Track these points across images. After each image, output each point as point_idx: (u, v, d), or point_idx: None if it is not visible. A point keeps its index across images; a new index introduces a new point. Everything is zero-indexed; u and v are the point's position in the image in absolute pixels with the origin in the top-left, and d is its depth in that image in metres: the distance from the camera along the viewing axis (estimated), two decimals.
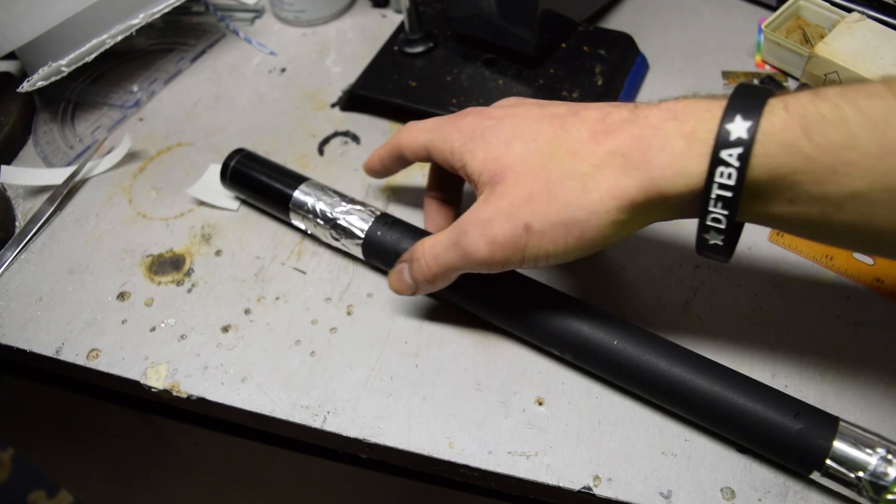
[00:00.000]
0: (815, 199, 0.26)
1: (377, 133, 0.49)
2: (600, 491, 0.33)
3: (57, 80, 0.48)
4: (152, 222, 0.45)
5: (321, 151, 0.49)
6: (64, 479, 0.85)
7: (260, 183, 0.42)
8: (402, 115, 0.50)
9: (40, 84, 0.47)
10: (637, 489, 0.33)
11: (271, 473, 0.53)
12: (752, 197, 0.27)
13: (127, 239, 0.45)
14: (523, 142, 0.31)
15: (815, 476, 0.31)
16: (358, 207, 0.40)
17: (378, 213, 0.40)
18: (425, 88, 0.48)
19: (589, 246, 0.30)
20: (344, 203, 0.40)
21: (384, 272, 0.41)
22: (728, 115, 0.26)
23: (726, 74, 0.50)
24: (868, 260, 0.39)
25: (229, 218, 0.45)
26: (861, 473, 0.30)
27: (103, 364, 0.39)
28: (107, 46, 0.49)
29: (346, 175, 0.47)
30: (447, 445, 0.35)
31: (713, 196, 0.27)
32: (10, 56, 0.50)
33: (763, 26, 0.49)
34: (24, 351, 0.40)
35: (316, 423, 0.36)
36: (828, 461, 0.30)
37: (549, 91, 0.47)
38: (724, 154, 0.26)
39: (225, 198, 0.46)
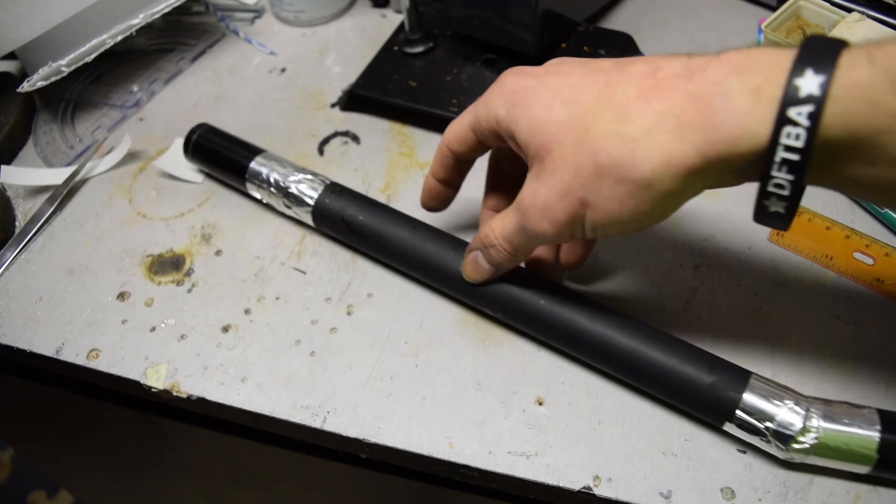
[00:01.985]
0: None
1: (377, 133, 0.49)
2: (600, 491, 0.33)
3: (57, 80, 0.48)
4: (152, 222, 0.45)
5: (321, 151, 0.49)
6: (64, 479, 0.85)
7: (219, 155, 0.45)
8: (402, 115, 0.50)
9: (40, 84, 0.47)
10: (637, 489, 0.33)
11: (271, 473, 0.53)
12: (824, 159, 0.24)
13: (127, 239, 0.45)
14: (565, 104, 0.29)
15: (728, 427, 0.32)
16: (309, 177, 0.42)
17: (328, 181, 0.42)
18: (425, 88, 0.48)
19: (645, 218, 0.28)
20: (296, 173, 0.42)
21: (384, 271, 0.41)
22: (797, 68, 0.24)
23: None
24: (868, 260, 0.39)
25: (229, 218, 0.45)
26: (769, 423, 0.31)
27: (103, 364, 0.39)
28: (107, 46, 0.49)
29: (346, 175, 0.47)
30: (447, 445, 0.35)
31: (777, 160, 0.24)
32: (10, 56, 0.50)
33: (763, 26, 0.49)
34: (24, 351, 0.40)
35: (316, 423, 0.36)
36: (738, 412, 0.31)
37: None
38: (791, 113, 0.23)
39: (189, 171, 0.48)
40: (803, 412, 0.31)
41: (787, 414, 0.31)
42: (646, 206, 0.27)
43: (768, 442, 0.31)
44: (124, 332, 0.40)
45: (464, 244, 0.38)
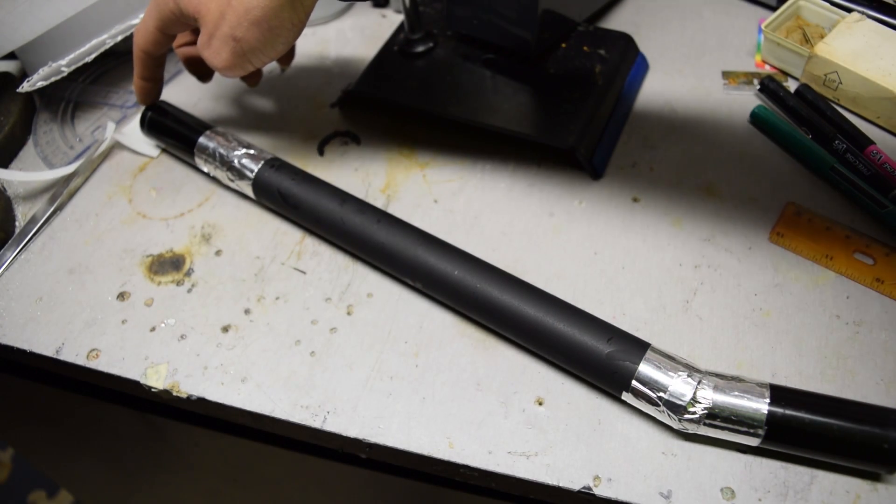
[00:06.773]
0: None
1: (377, 133, 0.49)
2: (600, 491, 0.33)
3: (57, 80, 0.48)
4: (152, 222, 0.45)
5: (321, 151, 0.49)
6: (64, 479, 0.85)
7: (172, 130, 0.47)
8: (402, 115, 0.50)
9: (40, 84, 0.47)
10: (637, 489, 0.33)
11: (271, 473, 0.53)
12: None
13: (127, 239, 0.45)
14: None
15: (626, 397, 0.34)
16: (252, 152, 0.44)
17: (269, 156, 0.44)
18: (425, 88, 0.48)
19: (285, 32, 0.37)
20: (241, 148, 0.44)
21: (384, 272, 0.41)
22: None
23: (726, 74, 0.50)
24: (868, 260, 0.39)
25: (229, 218, 0.45)
26: (662, 394, 0.32)
27: (103, 364, 0.39)
28: (107, 46, 0.49)
29: (346, 175, 0.47)
30: (447, 445, 0.35)
31: None
32: (10, 56, 0.50)
33: (763, 26, 0.49)
34: (24, 351, 0.40)
35: (316, 423, 0.36)
36: (633, 382, 0.33)
37: (549, 91, 0.47)
38: None
39: (146, 145, 0.50)
40: (695, 383, 0.32)
41: (679, 385, 0.32)
42: (274, 21, 0.36)
43: (662, 412, 0.32)
44: (124, 332, 0.40)
45: (390, 217, 0.40)
